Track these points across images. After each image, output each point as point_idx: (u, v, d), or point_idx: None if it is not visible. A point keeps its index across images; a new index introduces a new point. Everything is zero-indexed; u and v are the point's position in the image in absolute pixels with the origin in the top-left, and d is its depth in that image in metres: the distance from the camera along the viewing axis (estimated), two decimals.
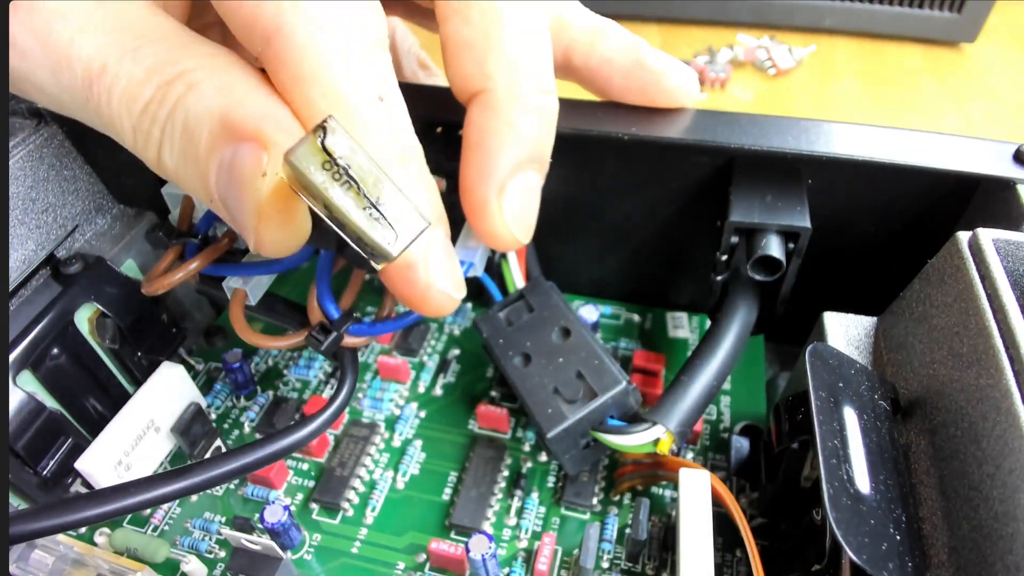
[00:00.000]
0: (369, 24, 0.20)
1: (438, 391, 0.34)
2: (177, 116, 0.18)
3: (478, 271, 0.27)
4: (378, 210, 0.17)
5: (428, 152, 0.29)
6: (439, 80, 0.41)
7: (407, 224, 0.18)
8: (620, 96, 0.29)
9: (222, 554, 0.28)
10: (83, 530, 0.28)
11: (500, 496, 0.29)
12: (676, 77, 0.28)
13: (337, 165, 0.16)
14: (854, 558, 0.18)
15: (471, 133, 0.23)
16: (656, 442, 0.25)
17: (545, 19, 0.24)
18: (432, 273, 0.21)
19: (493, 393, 0.33)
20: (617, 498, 0.29)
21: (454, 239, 0.27)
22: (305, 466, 0.31)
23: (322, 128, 0.16)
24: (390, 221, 0.17)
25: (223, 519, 0.29)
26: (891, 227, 0.29)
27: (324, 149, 0.16)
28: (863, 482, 0.20)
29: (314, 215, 0.19)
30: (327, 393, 0.33)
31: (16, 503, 0.27)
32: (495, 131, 0.23)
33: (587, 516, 0.29)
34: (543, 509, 0.29)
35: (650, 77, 0.28)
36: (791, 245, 0.26)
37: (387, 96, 0.20)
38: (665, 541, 0.27)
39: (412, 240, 0.18)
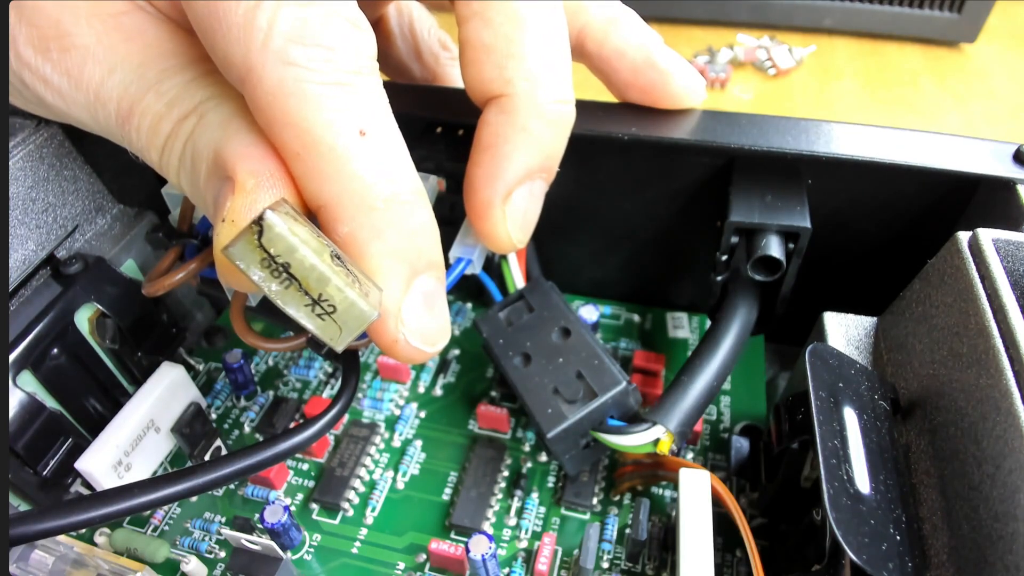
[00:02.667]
0: (348, 51, 0.18)
1: (438, 391, 0.34)
2: (187, 148, 0.19)
3: (476, 268, 0.27)
4: (321, 306, 0.16)
5: (428, 152, 0.29)
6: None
7: (353, 318, 0.17)
8: (624, 90, 0.28)
9: (222, 554, 0.28)
10: (83, 530, 0.28)
11: (500, 496, 0.29)
12: (682, 80, 0.28)
13: (275, 263, 0.16)
14: (854, 558, 0.18)
15: (484, 135, 0.23)
16: (656, 442, 0.25)
17: (564, 20, 0.23)
18: (403, 328, 0.20)
19: (493, 393, 0.33)
20: (617, 498, 0.29)
21: (453, 237, 0.27)
22: (305, 466, 0.31)
23: (259, 224, 0.15)
24: (334, 317, 0.16)
25: (223, 519, 0.29)
26: (891, 227, 0.29)
27: (261, 247, 0.15)
28: (863, 482, 0.20)
29: None
30: (327, 393, 0.33)
31: (16, 503, 0.27)
32: (510, 136, 0.23)
33: (587, 516, 0.29)
34: (543, 509, 0.29)
35: (657, 77, 0.27)
36: (791, 245, 0.26)
37: (370, 129, 0.18)
38: (665, 541, 0.27)
39: (358, 334, 0.17)
